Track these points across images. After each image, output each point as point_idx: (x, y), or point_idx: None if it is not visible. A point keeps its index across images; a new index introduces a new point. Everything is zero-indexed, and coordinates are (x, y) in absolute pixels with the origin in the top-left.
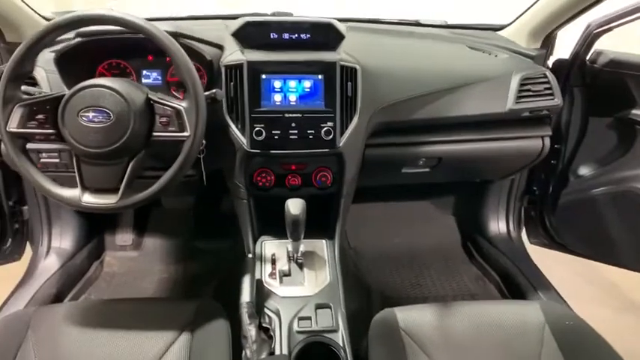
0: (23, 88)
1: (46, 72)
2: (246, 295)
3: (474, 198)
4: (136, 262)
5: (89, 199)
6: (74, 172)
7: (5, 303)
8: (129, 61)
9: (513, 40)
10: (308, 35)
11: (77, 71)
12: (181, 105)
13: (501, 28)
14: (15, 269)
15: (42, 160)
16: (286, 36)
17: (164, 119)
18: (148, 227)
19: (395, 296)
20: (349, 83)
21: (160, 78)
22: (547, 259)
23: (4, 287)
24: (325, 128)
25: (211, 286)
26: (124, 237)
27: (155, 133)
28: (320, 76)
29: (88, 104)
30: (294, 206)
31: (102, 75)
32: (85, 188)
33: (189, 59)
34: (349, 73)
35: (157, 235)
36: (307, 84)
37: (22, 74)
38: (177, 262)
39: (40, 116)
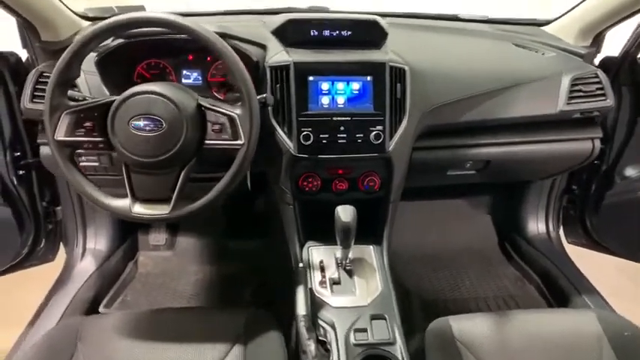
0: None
1: (84, 74)
2: (301, 307)
3: (512, 197)
4: (170, 263)
5: (140, 210)
6: (113, 176)
7: (44, 307)
8: (168, 61)
9: (560, 37)
10: (349, 32)
11: (116, 72)
12: (235, 112)
13: (546, 23)
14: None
15: (81, 163)
16: (327, 33)
17: (216, 127)
18: (181, 227)
19: (435, 299)
20: (398, 85)
21: (200, 78)
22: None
23: (33, 286)
24: (375, 132)
25: (249, 289)
26: (158, 237)
27: (207, 142)
28: (369, 78)
29: (139, 112)
30: (345, 213)
31: (141, 76)
32: (135, 198)
33: (242, 65)
34: (398, 74)
35: (189, 234)
36: (356, 86)
37: (69, 79)
38: (211, 262)
39: (88, 124)
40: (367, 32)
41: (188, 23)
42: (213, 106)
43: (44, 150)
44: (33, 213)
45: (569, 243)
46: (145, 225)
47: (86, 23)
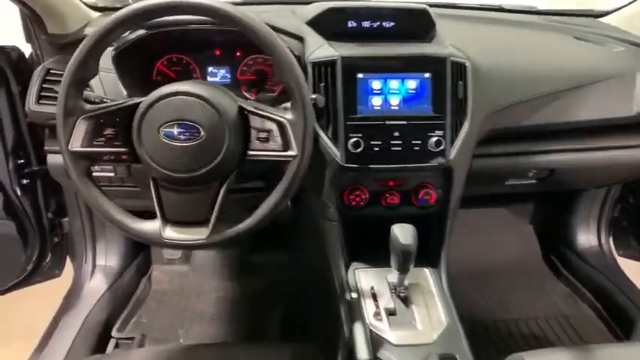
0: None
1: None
2: (362, 349)
3: (558, 205)
4: (187, 278)
5: (173, 235)
6: (130, 187)
7: (53, 330)
8: (192, 56)
9: (625, 29)
10: (391, 23)
11: (133, 69)
12: (285, 117)
13: (603, 14)
14: None
15: (94, 173)
16: (366, 24)
17: (262, 134)
18: None
19: (483, 320)
20: (460, 82)
21: (228, 76)
22: None
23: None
24: (435, 138)
25: (277, 309)
26: (170, 251)
27: (251, 152)
28: (427, 75)
29: (172, 117)
30: (404, 234)
31: (161, 73)
32: (166, 221)
33: (297, 62)
34: (459, 70)
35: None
36: (412, 84)
37: (85, 78)
38: (232, 277)
39: (108, 131)
40: (412, 23)
41: (232, 11)
42: (259, 109)
43: (52, 159)
44: (38, 226)
45: (619, 256)
46: None
47: (96, 14)
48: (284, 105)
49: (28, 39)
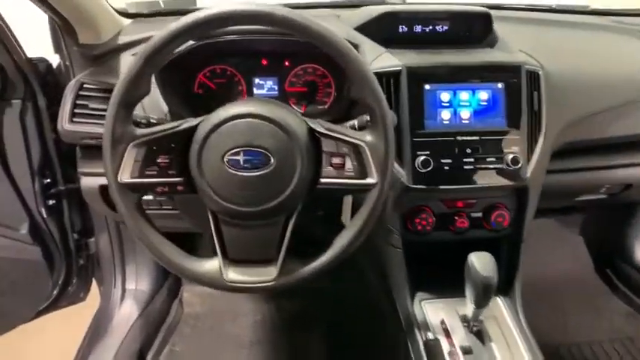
0: None
1: None
2: None
3: (614, 215)
4: (220, 300)
5: (236, 277)
6: (169, 210)
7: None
8: (237, 67)
9: None
10: (445, 27)
11: (174, 82)
12: (363, 140)
13: None
14: None
15: None
16: (418, 28)
17: (337, 160)
18: None
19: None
20: (534, 93)
21: (276, 88)
22: None
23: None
24: (511, 155)
25: (322, 338)
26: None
27: (324, 180)
28: (500, 85)
29: (238, 144)
30: (484, 264)
31: (203, 85)
32: (227, 260)
33: (374, 76)
34: (533, 79)
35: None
36: (484, 95)
37: (136, 99)
38: (267, 299)
39: (162, 159)
40: (469, 27)
41: (309, 23)
42: (332, 131)
43: (86, 182)
44: (64, 248)
45: None
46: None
47: (127, 21)
48: (350, 123)
49: (57, 49)
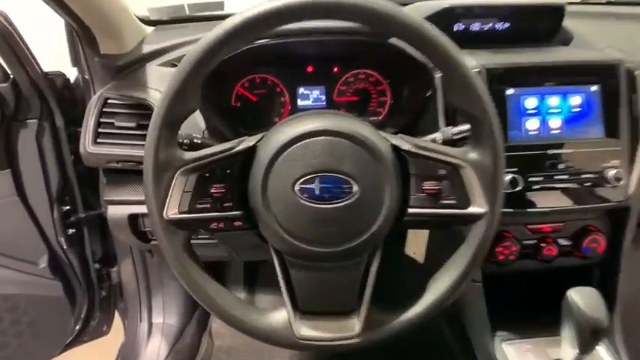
0: None
1: None
2: None
3: None
4: None
5: (310, 333)
6: (203, 239)
7: None
8: (279, 75)
9: None
10: (506, 24)
11: (212, 94)
12: (465, 159)
13: None
14: None
15: None
16: (476, 26)
17: (430, 185)
18: (261, 281)
19: None
20: (633, 96)
21: (323, 98)
22: None
23: None
24: (612, 170)
25: None
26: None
27: (414, 210)
28: (594, 87)
29: (313, 169)
30: (590, 303)
31: (241, 97)
32: (298, 312)
33: (480, 79)
34: (631, 80)
35: (273, 291)
36: (576, 100)
37: (183, 115)
38: None
39: (216, 189)
40: (535, 24)
41: (417, 22)
42: (422, 149)
43: (114, 212)
44: (85, 280)
45: None
46: (219, 282)
47: (149, 29)
48: (430, 137)
49: (75, 62)
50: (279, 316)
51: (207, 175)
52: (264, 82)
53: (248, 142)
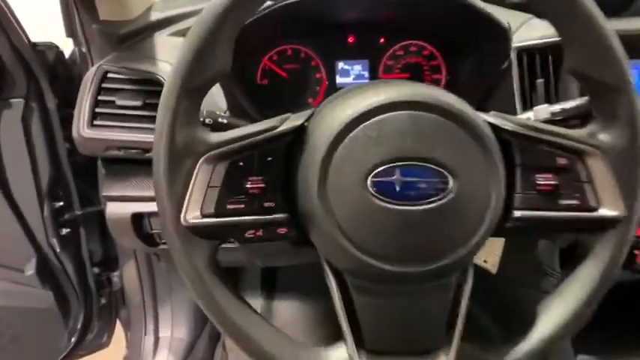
0: None
1: None
2: None
3: None
4: None
5: None
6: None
7: None
8: (314, 47)
9: None
10: None
11: (235, 69)
12: (594, 143)
13: None
14: None
15: None
16: None
17: (546, 179)
18: (280, 288)
19: None
20: None
21: (366, 74)
22: None
23: None
24: None
25: None
26: (251, 302)
27: (521, 213)
28: None
29: (394, 155)
30: None
31: (268, 73)
32: (365, 351)
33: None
34: None
35: (294, 297)
36: None
37: (208, 79)
38: (328, 336)
39: (253, 183)
40: None
41: None
42: (535, 132)
43: (113, 209)
44: (81, 287)
45: None
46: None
47: None
48: (526, 115)
49: (70, 32)
50: (338, 355)
51: (241, 163)
52: (297, 55)
53: (294, 120)
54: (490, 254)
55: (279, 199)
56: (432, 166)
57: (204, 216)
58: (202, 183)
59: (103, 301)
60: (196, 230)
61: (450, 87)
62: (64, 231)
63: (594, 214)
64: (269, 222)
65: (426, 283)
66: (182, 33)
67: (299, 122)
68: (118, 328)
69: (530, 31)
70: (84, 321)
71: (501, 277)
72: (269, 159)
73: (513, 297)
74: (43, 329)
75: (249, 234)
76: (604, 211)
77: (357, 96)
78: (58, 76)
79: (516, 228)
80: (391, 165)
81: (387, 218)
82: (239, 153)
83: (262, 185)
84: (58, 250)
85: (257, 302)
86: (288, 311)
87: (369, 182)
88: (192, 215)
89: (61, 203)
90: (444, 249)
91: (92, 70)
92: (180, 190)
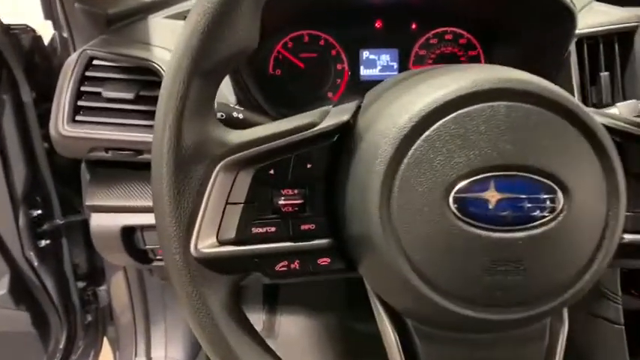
0: None
1: None
2: None
3: None
4: None
5: None
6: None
7: None
8: (335, 33)
9: None
10: None
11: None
12: None
13: None
14: None
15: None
16: None
17: None
18: (282, 302)
19: None
20: None
21: (395, 66)
22: None
23: None
24: None
25: None
26: (252, 318)
27: (631, 237)
28: None
29: (487, 163)
30: None
31: (283, 63)
32: None
33: None
34: None
35: (296, 314)
36: None
37: (231, 57)
38: (332, 353)
39: (288, 199)
40: None
41: None
42: None
43: (100, 222)
44: (63, 304)
45: None
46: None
47: None
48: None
49: (49, 13)
50: None
51: (271, 172)
52: (315, 42)
53: (338, 114)
54: None
55: (321, 221)
56: (539, 178)
57: (222, 243)
58: (220, 198)
59: (89, 318)
60: (211, 263)
61: None
62: (43, 242)
63: None
64: (308, 250)
65: (516, 330)
66: (182, 16)
67: (345, 117)
68: (106, 347)
69: (591, 16)
70: (66, 341)
71: None
72: (308, 166)
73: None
74: (18, 355)
75: (281, 267)
76: None
77: (425, 82)
78: (36, 65)
79: (624, 255)
80: (483, 175)
81: (475, 248)
82: (268, 158)
83: (299, 201)
84: (35, 264)
85: (259, 317)
86: (292, 327)
87: (451, 199)
88: (206, 243)
89: (39, 211)
90: (551, 290)
91: (74, 55)
92: (190, 207)
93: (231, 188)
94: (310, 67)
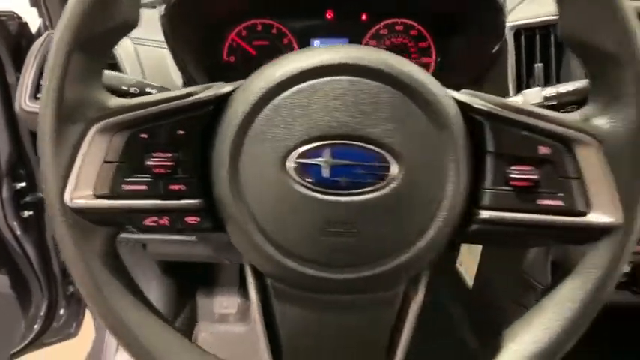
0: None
1: (134, 43)
2: None
3: None
4: (245, 343)
5: None
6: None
7: None
8: (287, 23)
9: None
10: None
11: (195, 42)
12: (586, 129)
13: None
14: None
15: None
16: None
17: (520, 172)
18: None
19: None
20: None
21: None
22: None
23: None
24: None
25: None
26: (226, 301)
27: (490, 214)
28: None
29: (323, 131)
30: None
31: (236, 50)
32: None
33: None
34: None
35: None
36: None
37: (109, 31)
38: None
39: (159, 160)
40: None
41: None
42: (515, 113)
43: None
44: (45, 273)
45: None
46: (208, 283)
47: None
48: (514, 98)
49: (35, 1)
50: None
51: (144, 135)
52: (268, 31)
53: (220, 87)
54: (469, 262)
55: (192, 183)
56: (372, 147)
57: (96, 197)
58: (97, 157)
59: (72, 289)
60: (86, 214)
61: (440, 70)
62: (27, 214)
63: (582, 219)
64: (175, 208)
65: (362, 294)
66: (151, 5)
67: (225, 90)
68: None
69: (531, 7)
70: (47, 309)
71: (486, 291)
72: (180, 132)
73: (502, 316)
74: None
75: (150, 222)
76: (594, 217)
77: (291, 57)
78: (21, 48)
79: (483, 232)
80: (321, 143)
81: (311, 211)
82: (144, 123)
83: (171, 164)
84: (18, 232)
85: (234, 301)
86: None
87: (288, 164)
88: (80, 195)
89: (23, 184)
90: (383, 253)
91: (41, 38)
92: (66, 162)
93: (107, 149)
94: (262, 55)
